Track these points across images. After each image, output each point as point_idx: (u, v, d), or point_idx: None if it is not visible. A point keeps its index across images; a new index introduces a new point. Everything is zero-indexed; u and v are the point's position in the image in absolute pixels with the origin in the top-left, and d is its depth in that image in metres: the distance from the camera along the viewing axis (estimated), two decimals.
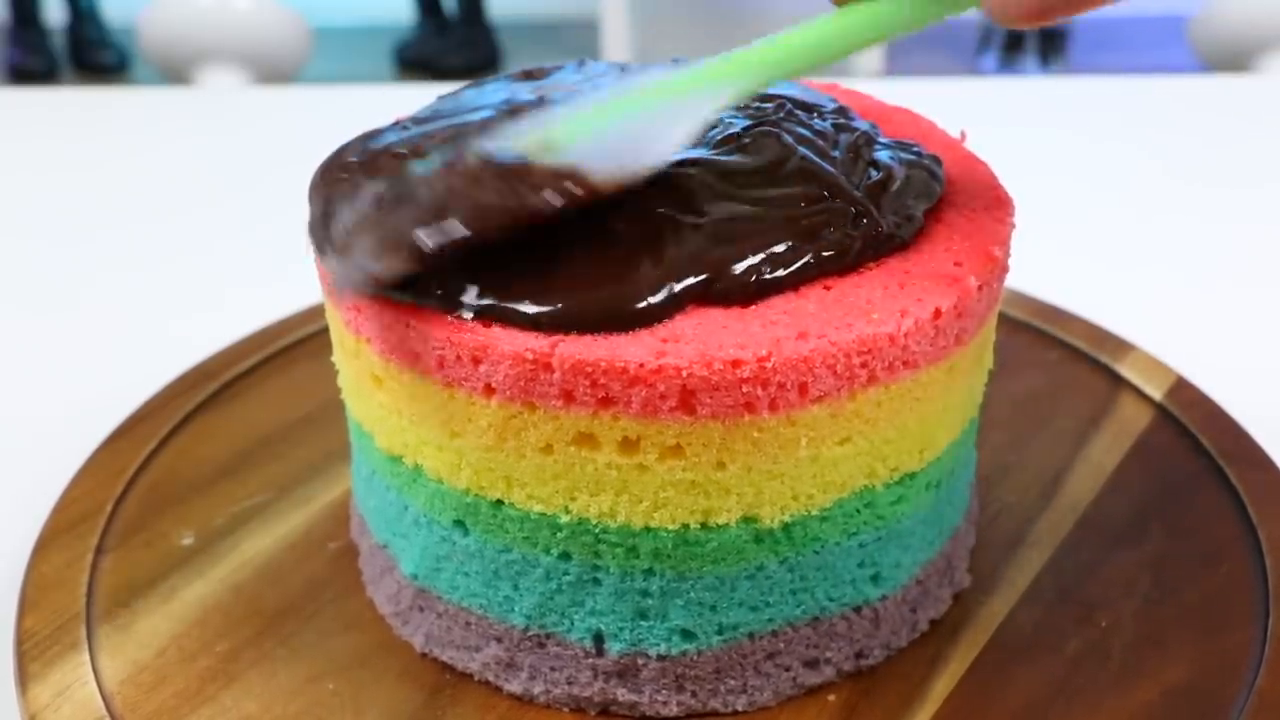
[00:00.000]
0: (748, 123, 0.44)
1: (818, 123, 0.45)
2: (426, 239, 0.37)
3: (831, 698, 0.44)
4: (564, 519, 0.41)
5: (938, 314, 0.40)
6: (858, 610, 0.45)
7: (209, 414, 0.59)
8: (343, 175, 0.45)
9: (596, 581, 0.42)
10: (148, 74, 2.71)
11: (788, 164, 0.42)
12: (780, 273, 0.39)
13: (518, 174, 0.38)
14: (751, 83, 0.40)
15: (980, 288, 0.41)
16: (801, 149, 0.43)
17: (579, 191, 0.38)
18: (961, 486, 0.49)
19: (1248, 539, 0.49)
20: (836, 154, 0.43)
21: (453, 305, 0.39)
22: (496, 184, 0.38)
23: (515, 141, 0.38)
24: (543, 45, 3.26)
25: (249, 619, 0.48)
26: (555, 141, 0.38)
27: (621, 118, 0.40)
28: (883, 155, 0.44)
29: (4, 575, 0.52)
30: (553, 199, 0.38)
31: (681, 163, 0.42)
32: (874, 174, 0.43)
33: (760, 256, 0.39)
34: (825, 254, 0.40)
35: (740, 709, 0.44)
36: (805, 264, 0.39)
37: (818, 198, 0.41)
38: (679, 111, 0.39)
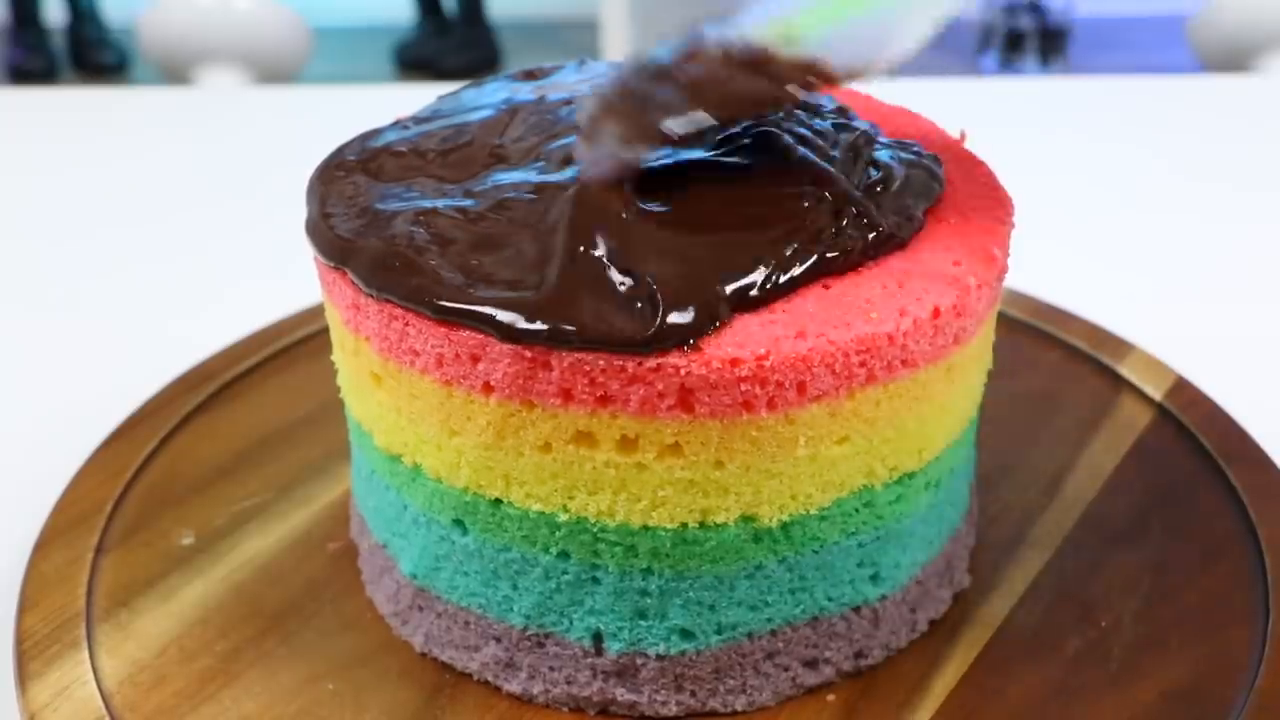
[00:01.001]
0: (747, 122, 0.44)
1: (817, 122, 0.45)
2: (676, 128, 0.39)
3: (831, 698, 0.44)
4: (562, 518, 0.41)
5: (937, 313, 0.39)
6: (857, 610, 0.45)
7: (209, 414, 0.59)
8: (341, 174, 0.45)
9: (595, 581, 0.42)
10: (148, 74, 2.72)
11: (788, 164, 0.42)
12: (784, 277, 0.39)
13: (763, 66, 0.38)
14: None
15: (980, 287, 0.41)
16: (801, 149, 0.43)
17: (820, 83, 0.39)
18: (961, 486, 0.48)
19: (1248, 539, 0.49)
20: (836, 154, 0.43)
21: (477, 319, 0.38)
22: (743, 75, 0.39)
23: (755, 31, 0.39)
24: (543, 45, 3.26)
25: (249, 619, 0.48)
26: (797, 34, 0.39)
27: (860, 11, 0.40)
28: (883, 155, 0.44)
29: (4, 575, 0.52)
30: (796, 91, 0.39)
31: (681, 163, 0.42)
32: (874, 173, 0.43)
33: (770, 263, 0.39)
34: (827, 254, 0.40)
35: (739, 709, 0.44)
36: (806, 265, 0.39)
37: (818, 198, 0.41)
38: (916, 6, 0.39)
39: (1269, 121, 1.03)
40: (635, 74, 0.41)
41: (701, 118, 0.39)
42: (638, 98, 0.40)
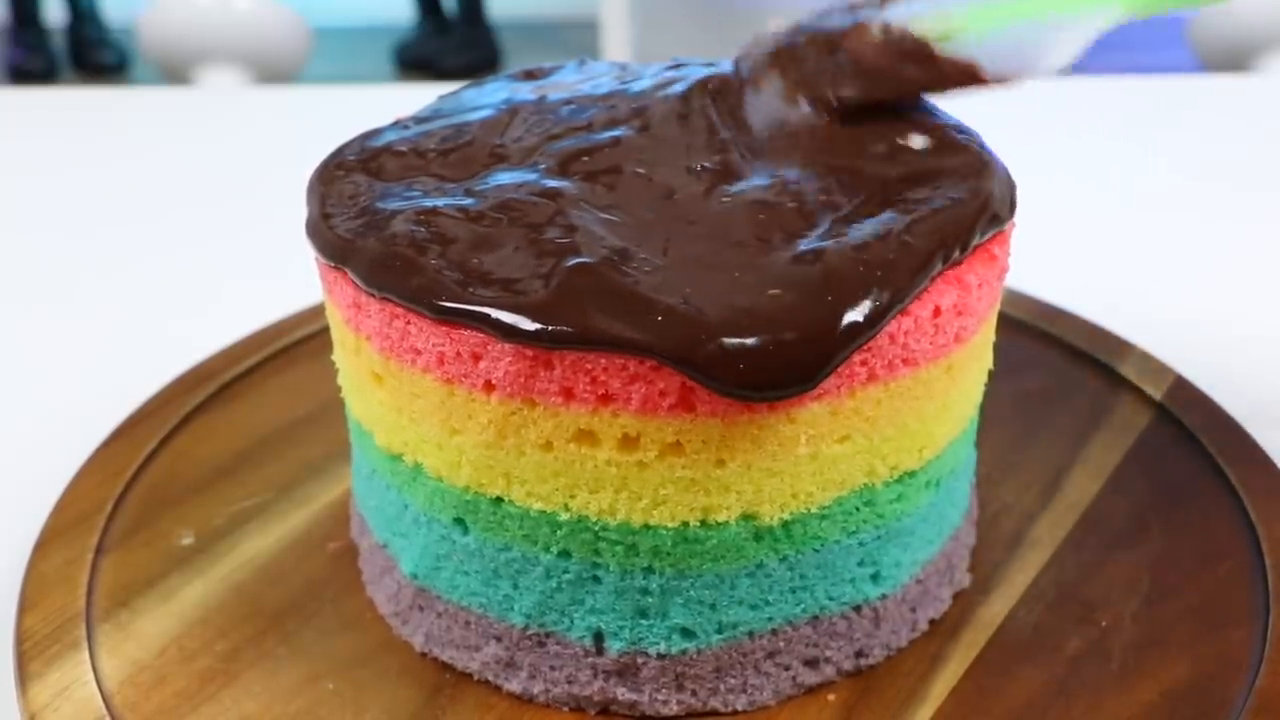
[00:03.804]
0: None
1: None
2: (836, 96, 0.43)
3: (831, 697, 0.44)
4: (563, 516, 0.41)
5: (937, 312, 0.40)
6: (858, 609, 0.45)
7: (209, 414, 0.59)
8: (341, 174, 0.45)
9: (596, 580, 0.42)
10: (148, 74, 2.72)
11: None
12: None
13: (923, 57, 0.41)
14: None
15: (980, 286, 0.41)
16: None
17: (973, 85, 0.42)
18: (961, 486, 0.48)
19: (1248, 539, 0.49)
20: None
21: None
22: (904, 62, 0.42)
23: (915, 23, 0.41)
24: (543, 45, 3.26)
25: (249, 619, 0.48)
26: (956, 32, 0.41)
27: (1019, 20, 0.41)
28: None
29: (4, 575, 0.52)
30: (950, 86, 0.42)
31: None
32: None
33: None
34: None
35: (740, 708, 0.44)
36: None
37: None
38: (1073, 22, 0.41)
39: (1269, 121, 1.03)
40: (803, 36, 0.44)
41: (861, 90, 0.42)
42: (808, 60, 0.43)
